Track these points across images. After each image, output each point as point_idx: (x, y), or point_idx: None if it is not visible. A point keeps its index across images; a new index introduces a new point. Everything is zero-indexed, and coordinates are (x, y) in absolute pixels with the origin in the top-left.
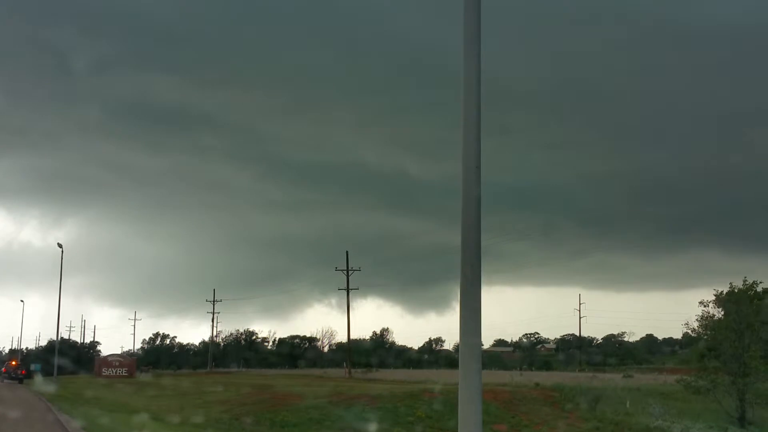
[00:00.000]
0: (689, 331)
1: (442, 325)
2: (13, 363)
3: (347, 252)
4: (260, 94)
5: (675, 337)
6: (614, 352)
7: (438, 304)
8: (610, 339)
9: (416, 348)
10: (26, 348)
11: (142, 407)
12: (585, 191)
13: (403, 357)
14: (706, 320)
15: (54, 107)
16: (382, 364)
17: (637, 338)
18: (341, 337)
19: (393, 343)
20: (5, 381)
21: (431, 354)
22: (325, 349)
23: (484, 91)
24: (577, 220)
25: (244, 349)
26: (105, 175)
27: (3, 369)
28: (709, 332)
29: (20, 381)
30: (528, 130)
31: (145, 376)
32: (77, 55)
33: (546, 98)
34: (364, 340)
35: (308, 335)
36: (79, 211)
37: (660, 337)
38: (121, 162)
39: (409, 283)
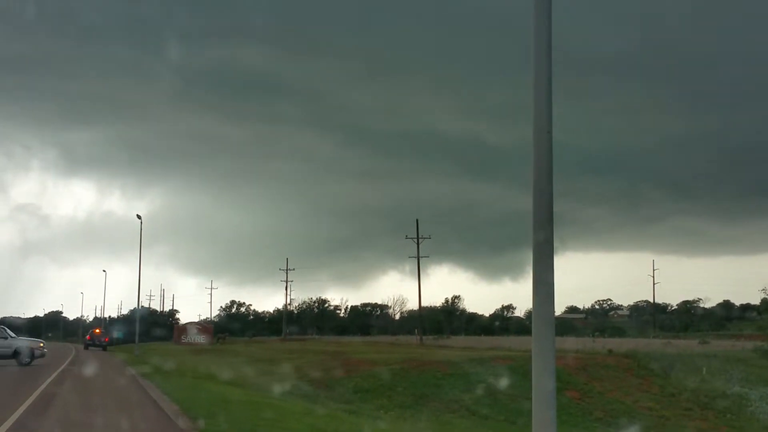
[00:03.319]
0: (767, 297)
1: (517, 292)
2: (97, 331)
3: (417, 220)
4: (339, 62)
5: (753, 303)
6: (690, 318)
7: (512, 269)
8: (685, 305)
9: (487, 315)
10: (109, 316)
11: (214, 371)
12: (666, 154)
13: (474, 324)
14: None
15: (139, 78)
16: (453, 331)
17: (713, 304)
18: (412, 305)
19: (464, 310)
20: (90, 348)
21: (502, 321)
22: (397, 317)
23: (559, 54)
24: (655, 184)
25: (317, 317)
26: (189, 145)
27: (87, 337)
28: None
29: (104, 348)
30: (608, 93)
31: (220, 344)
32: (162, 26)
33: (628, 61)
34: (435, 307)
35: (380, 303)
36: (162, 181)
37: (737, 303)
38: (205, 131)
39: (484, 250)
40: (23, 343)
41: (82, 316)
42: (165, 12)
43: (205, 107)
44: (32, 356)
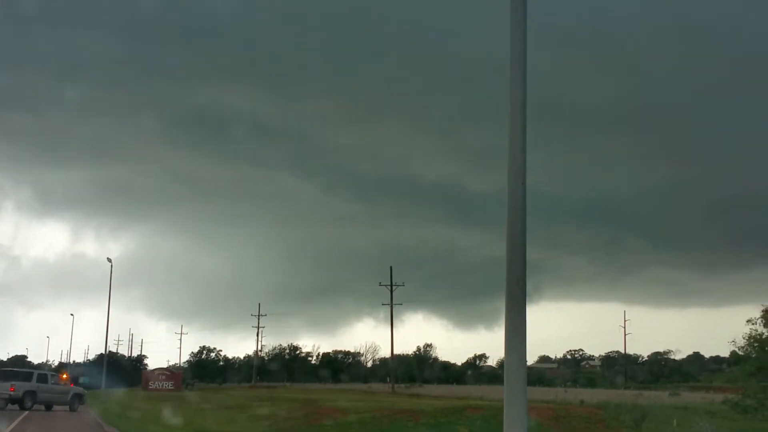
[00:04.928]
0: (736, 350)
1: (491, 340)
2: (63, 376)
3: (390, 267)
4: (324, 105)
5: (722, 355)
6: (660, 369)
7: (487, 318)
8: (656, 356)
9: (460, 364)
10: (73, 361)
11: (179, 418)
12: (645, 204)
13: (446, 372)
14: (753, 338)
15: (119, 117)
16: (426, 380)
17: (684, 356)
18: (385, 352)
19: (436, 358)
20: None
21: (475, 370)
22: (369, 364)
23: (543, 106)
24: (632, 234)
25: (289, 364)
26: (168, 186)
27: None
28: (756, 351)
29: None
30: (590, 144)
31: (189, 390)
32: (145, 66)
33: (609, 112)
34: (407, 355)
35: (352, 350)
36: (139, 223)
37: (707, 355)
38: (186, 173)
39: (460, 297)
40: (76, 390)
41: (47, 360)
42: (148, 52)
43: (187, 149)
44: (80, 402)
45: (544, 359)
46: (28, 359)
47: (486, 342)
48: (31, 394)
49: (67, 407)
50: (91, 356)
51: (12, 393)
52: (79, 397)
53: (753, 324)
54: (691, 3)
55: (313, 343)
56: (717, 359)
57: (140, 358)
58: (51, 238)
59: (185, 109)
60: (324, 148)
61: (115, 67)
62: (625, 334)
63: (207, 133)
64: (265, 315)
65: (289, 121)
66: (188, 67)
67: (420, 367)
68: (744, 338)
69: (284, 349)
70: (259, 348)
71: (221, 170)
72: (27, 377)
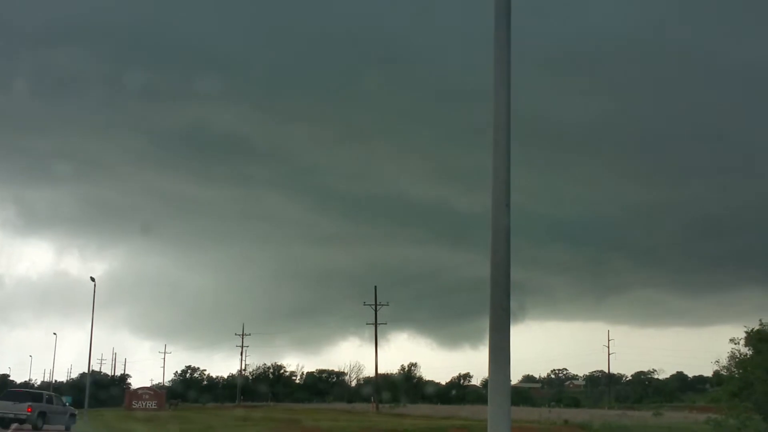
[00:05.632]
0: (720, 370)
1: (475, 359)
2: None
3: (375, 287)
4: (311, 125)
5: (706, 374)
6: (644, 389)
7: (471, 337)
8: (639, 376)
9: (444, 383)
10: (55, 380)
11: None
12: (631, 225)
13: (430, 392)
14: (736, 358)
15: (107, 136)
16: (410, 399)
17: (667, 375)
18: (369, 372)
19: (420, 378)
20: None
21: (459, 389)
22: (353, 384)
23: (528, 127)
24: (617, 253)
25: (273, 383)
26: (154, 205)
27: None
28: (739, 371)
29: None
30: (573, 165)
31: (173, 410)
32: (132, 85)
33: (595, 132)
34: (391, 374)
35: (336, 370)
36: (123, 242)
37: (690, 375)
38: (172, 192)
39: (445, 317)
40: (71, 410)
41: (30, 380)
42: (135, 71)
43: (173, 168)
44: (73, 422)
45: (528, 379)
46: (11, 378)
47: (470, 361)
48: (43, 414)
49: (62, 427)
50: (74, 375)
51: (29, 414)
52: (72, 417)
53: (736, 344)
54: (677, 26)
55: (298, 363)
56: (700, 379)
57: (124, 378)
58: (36, 257)
59: (171, 129)
60: (310, 168)
61: (100, 85)
62: (609, 354)
63: (193, 152)
64: (250, 334)
65: (275, 141)
66: (174, 86)
67: (404, 386)
68: (727, 357)
69: (268, 368)
70: (243, 367)
71: (207, 189)
72: (37, 398)
